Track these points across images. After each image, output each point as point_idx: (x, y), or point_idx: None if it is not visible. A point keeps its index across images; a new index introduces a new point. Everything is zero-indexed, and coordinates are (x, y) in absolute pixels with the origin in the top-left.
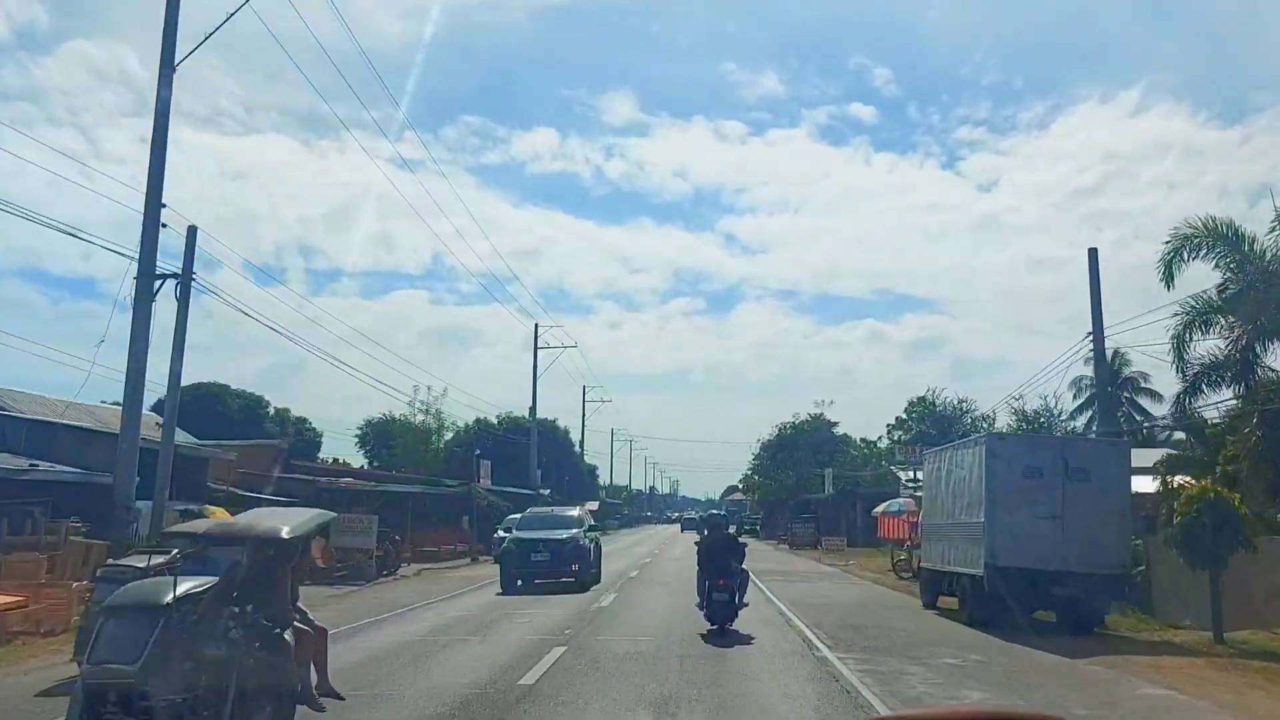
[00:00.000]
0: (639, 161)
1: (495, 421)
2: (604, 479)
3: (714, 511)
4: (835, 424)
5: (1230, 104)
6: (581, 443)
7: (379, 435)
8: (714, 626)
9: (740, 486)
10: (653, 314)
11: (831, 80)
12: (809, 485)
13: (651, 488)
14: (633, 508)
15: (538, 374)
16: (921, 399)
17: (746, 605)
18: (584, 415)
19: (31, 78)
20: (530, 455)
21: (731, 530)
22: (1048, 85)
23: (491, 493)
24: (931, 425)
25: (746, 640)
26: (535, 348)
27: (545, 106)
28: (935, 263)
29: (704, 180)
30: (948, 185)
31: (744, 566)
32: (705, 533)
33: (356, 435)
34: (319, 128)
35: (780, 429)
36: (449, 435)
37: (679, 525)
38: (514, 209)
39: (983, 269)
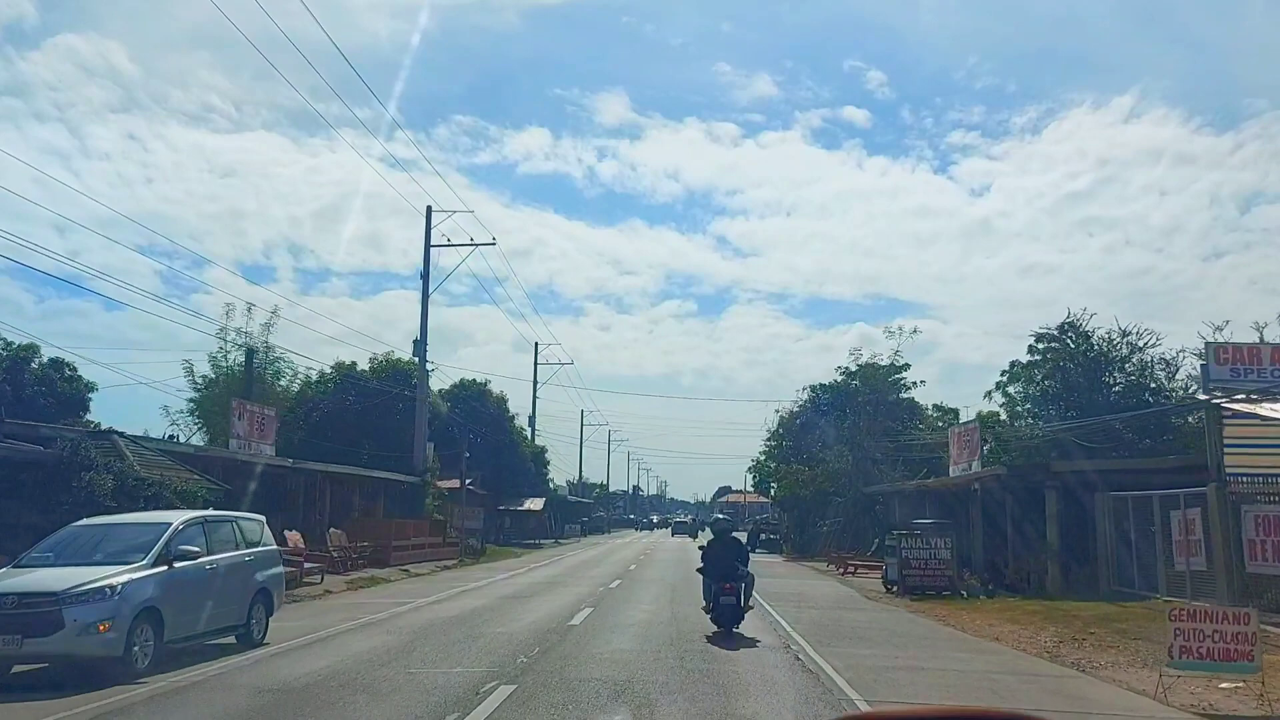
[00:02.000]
0: (631, 162)
1: (369, 367)
2: (572, 472)
3: (720, 515)
4: (905, 369)
5: (1223, 111)
6: (532, 419)
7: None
8: (720, 629)
9: (751, 481)
10: (643, 316)
11: (825, 83)
12: (873, 471)
13: (636, 488)
14: (611, 509)
15: (429, 281)
16: (1069, 325)
17: (752, 608)
18: (535, 378)
19: (18, 72)
20: (416, 416)
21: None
22: (1040, 90)
23: (169, 457)
24: (1077, 367)
25: (752, 643)
26: (427, 236)
27: (538, 106)
28: (927, 267)
29: (696, 182)
30: (940, 189)
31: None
32: (712, 536)
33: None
34: (310, 126)
35: (813, 391)
36: (293, 386)
37: (670, 530)
38: (505, 209)
39: (973, 274)
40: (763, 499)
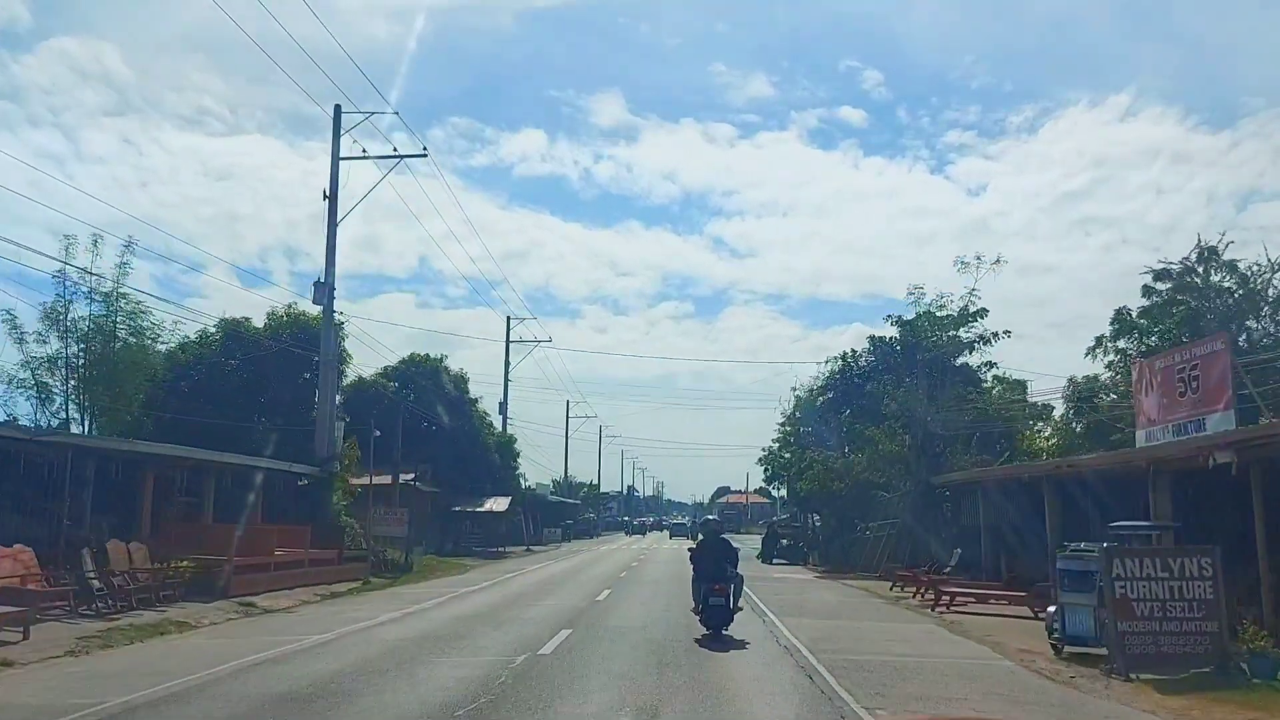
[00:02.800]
0: (628, 164)
1: (265, 324)
2: (556, 470)
3: (710, 517)
4: (981, 316)
5: (1219, 109)
6: (503, 405)
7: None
8: (709, 631)
9: (762, 475)
10: (640, 318)
11: (821, 83)
12: (943, 454)
13: (631, 488)
14: (602, 510)
15: (337, 202)
16: (1208, 252)
17: (741, 609)
18: (507, 359)
19: (12, 76)
20: (320, 384)
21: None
22: (1036, 89)
23: None
24: (1214, 311)
25: (741, 645)
26: (335, 145)
27: (533, 108)
28: (924, 267)
29: (693, 183)
30: (936, 189)
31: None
32: (700, 538)
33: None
34: (304, 129)
35: (844, 361)
36: (158, 345)
37: (667, 533)
38: (501, 211)
39: None
40: (764, 500)
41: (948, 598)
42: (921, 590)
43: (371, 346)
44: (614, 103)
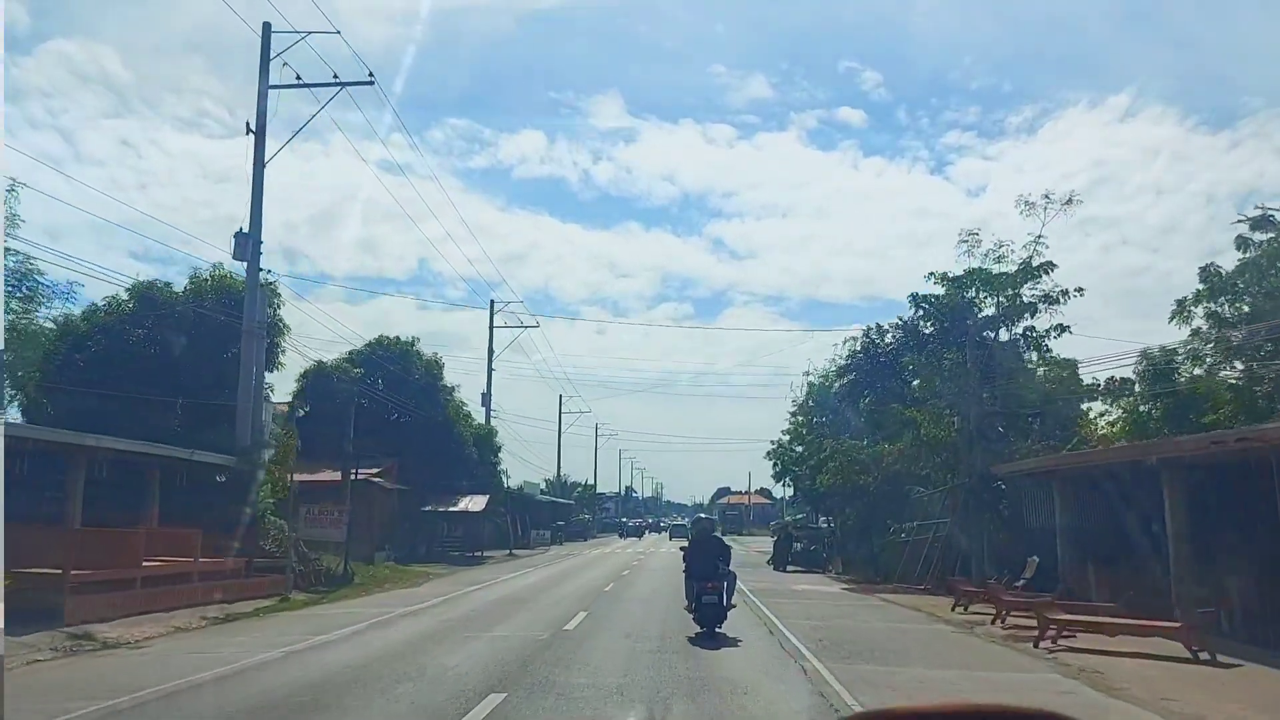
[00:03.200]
0: (627, 165)
1: (186, 288)
2: (550, 469)
3: (701, 515)
4: (1046, 270)
5: (1219, 109)
6: (486, 396)
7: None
8: (703, 629)
9: (772, 469)
10: (639, 319)
11: (820, 84)
12: (1004, 439)
13: (629, 489)
14: (598, 511)
15: (264, 137)
16: None
17: (734, 607)
18: (491, 345)
19: (11, 79)
20: (243, 358)
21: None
22: (1036, 90)
23: None
24: None
25: (734, 643)
26: (263, 66)
27: (532, 109)
28: (924, 268)
29: (692, 184)
30: (936, 190)
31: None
32: (693, 536)
33: None
34: (303, 131)
35: (867, 337)
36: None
37: (667, 534)
38: (500, 213)
39: None
40: (766, 501)
41: (1054, 629)
42: (1003, 614)
43: (353, 342)
44: (613, 104)
